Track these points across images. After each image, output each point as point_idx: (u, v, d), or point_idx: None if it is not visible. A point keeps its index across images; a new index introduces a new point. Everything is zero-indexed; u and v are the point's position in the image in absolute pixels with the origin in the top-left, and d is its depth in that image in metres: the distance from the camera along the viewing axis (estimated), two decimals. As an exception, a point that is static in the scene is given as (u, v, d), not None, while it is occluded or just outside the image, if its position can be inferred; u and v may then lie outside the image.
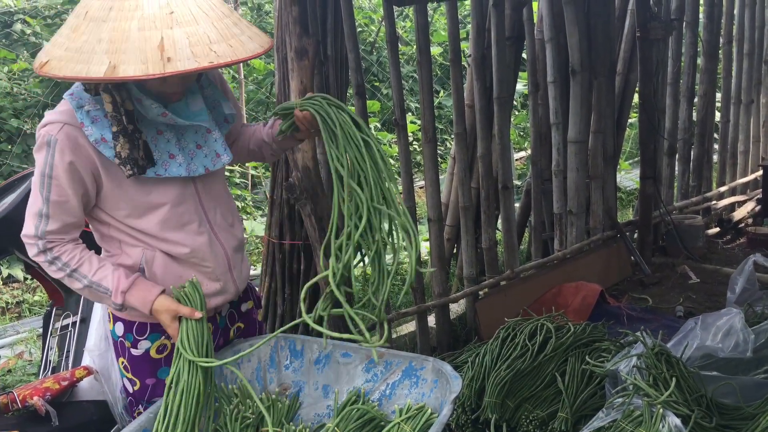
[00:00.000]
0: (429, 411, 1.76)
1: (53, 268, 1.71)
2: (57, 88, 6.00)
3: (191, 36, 1.46)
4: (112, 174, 1.68)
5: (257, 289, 2.18)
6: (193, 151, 1.75)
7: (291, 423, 1.86)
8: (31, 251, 1.70)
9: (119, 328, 1.86)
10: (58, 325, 2.62)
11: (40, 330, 4.14)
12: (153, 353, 1.85)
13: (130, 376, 1.88)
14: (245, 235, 5.29)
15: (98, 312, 2.51)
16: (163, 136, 1.70)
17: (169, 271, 1.79)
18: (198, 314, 1.68)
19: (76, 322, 2.57)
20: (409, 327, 3.77)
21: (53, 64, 1.47)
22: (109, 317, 1.90)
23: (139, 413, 1.86)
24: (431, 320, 3.65)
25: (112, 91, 1.58)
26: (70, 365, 2.54)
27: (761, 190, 5.35)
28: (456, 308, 3.90)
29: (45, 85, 6.10)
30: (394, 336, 3.54)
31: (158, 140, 1.69)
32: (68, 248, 1.71)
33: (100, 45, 1.43)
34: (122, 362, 1.89)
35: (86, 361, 2.48)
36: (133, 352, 1.84)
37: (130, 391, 1.90)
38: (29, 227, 1.68)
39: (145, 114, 1.65)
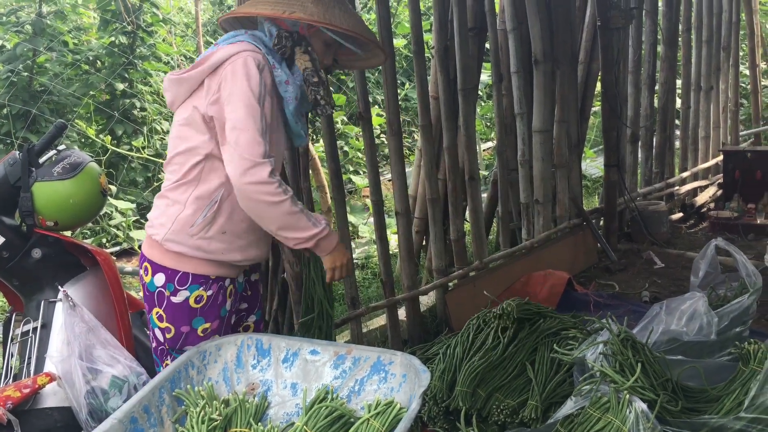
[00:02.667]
0: (398, 406, 1.76)
1: (280, 190, 1.86)
2: (14, 88, 5.85)
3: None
4: (270, 111, 1.93)
5: None
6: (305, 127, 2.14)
7: (259, 423, 1.84)
8: (263, 171, 1.83)
9: (159, 279, 2.01)
10: (19, 331, 2.54)
11: (0, 337, 4.03)
12: (192, 302, 2.00)
13: (164, 324, 2.03)
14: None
15: (59, 317, 2.44)
16: (302, 118, 2.08)
17: (234, 214, 1.97)
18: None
19: (36, 328, 2.50)
20: (380, 321, 3.76)
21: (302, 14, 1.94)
22: (147, 270, 2.03)
23: (167, 365, 2.03)
24: (401, 313, 3.64)
25: (310, 51, 1.99)
26: (32, 372, 2.47)
27: (722, 174, 5.45)
28: (426, 300, 3.91)
29: (1, 85, 5.95)
30: (364, 330, 3.53)
31: (299, 121, 2.05)
32: (276, 178, 1.90)
33: None
34: (156, 312, 2.03)
35: (48, 367, 2.41)
36: (173, 299, 2.00)
37: (161, 340, 2.04)
38: (257, 148, 1.83)
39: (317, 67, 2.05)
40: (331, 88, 2.10)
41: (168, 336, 2.05)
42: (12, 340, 2.57)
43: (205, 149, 1.93)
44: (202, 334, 2.05)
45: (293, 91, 1.97)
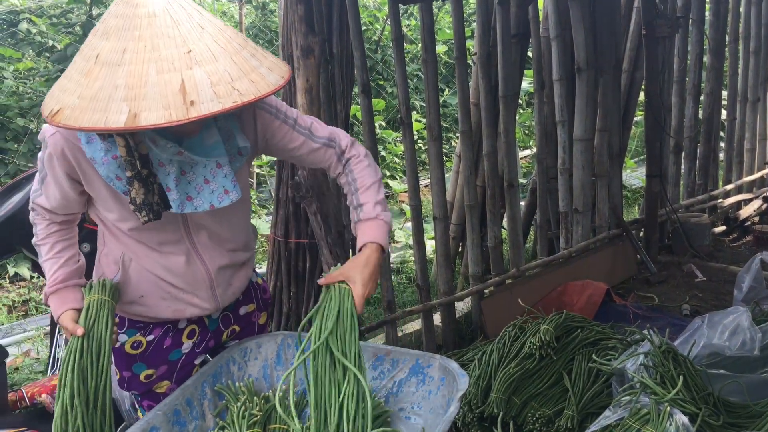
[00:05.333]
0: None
1: (33, 230, 1.81)
2: (63, 87, 6.02)
3: (212, 75, 1.38)
4: (95, 189, 1.70)
5: (269, 291, 2.17)
6: (201, 185, 1.67)
7: (299, 420, 1.86)
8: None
9: None
10: (66, 323, 2.62)
11: (47, 328, 4.15)
12: (128, 348, 1.89)
13: (113, 366, 1.91)
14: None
15: (105, 310, 2.51)
16: (164, 168, 1.63)
17: (143, 278, 1.81)
18: (79, 332, 1.66)
19: (83, 320, 2.57)
20: (415, 325, 3.77)
21: (67, 113, 1.38)
22: None
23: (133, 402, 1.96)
24: (437, 318, 3.65)
25: (125, 135, 1.53)
26: (77, 363, 2.55)
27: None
28: (461, 306, 3.90)
29: (50, 84, 6.12)
30: (399, 334, 3.55)
31: (158, 171, 1.63)
32: (46, 223, 1.79)
33: (117, 91, 1.35)
34: None
35: (93, 358, 2.49)
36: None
37: (115, 378, 1.94)
38: (33, 190, 1.78)
39: (160, 154, 1.60)
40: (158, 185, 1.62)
41: (117, 378, 1.92)
42: (59, 332, 2.65)
43: (95, 215, 1.81)
44: (145, 380, 1.92)
45: (110, 170, 1.63)
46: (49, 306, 1.77)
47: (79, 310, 1.72)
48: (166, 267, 1.79)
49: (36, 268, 2.72)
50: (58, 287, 1.75)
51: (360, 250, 1.75)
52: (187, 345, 1.94)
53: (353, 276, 1.68)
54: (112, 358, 1.85)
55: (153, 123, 1.32)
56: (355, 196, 1.82)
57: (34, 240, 1.80)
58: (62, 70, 5.95)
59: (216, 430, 1.83)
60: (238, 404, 1.83)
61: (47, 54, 6.62)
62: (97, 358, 1.65)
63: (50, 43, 6.53)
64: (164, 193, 1.63)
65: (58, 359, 2.58)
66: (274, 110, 1.80)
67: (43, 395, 2.19)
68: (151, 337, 1.89)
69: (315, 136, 1.84)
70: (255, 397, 1.88)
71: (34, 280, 5.16)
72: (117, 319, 1.84)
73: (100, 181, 1.67)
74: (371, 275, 1.70)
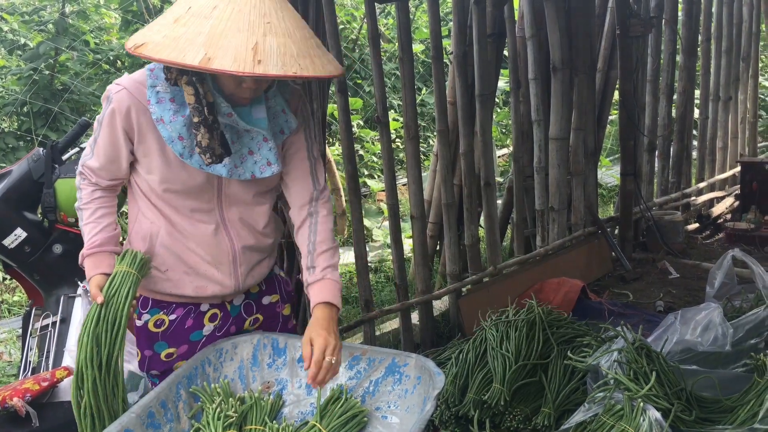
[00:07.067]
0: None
1: (77, 195, 1.90)
2: (35, 86, 5.93)
3: (281, 46, 1.57)
4: (145, 148, 1.80)
5: (291, 285, 2.27)
6: (245, 156, 1.82)
7: (274, 421, 1.86)
8: (78, 176, 1.91)
9: None
10: (38, 325, 2.58)
11: (20, 330, 4.09)
12: (151, 326, 1.96)
13: (134, 347, 2.02)
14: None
15: (78, 312, 2.48)
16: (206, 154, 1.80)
17: (169, 251, 1.89)
18: (99, 300, 1.76)
19: (56, 322, 2.54)
20: (393, 324, 3.78)
21: (150, 47, 1.56)
22: None
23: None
24: (414, 317, 3.65)
25: (195, 84, 1.68)
26: (50, 366, 2.51)
27: (739, 185, 5.42)
28: (439, 305, 3.91)
29: (23, 83, 6.02)
30: (377, 333, 3.55)
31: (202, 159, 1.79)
32: (91, 188, 1.87)
33: (199, 38, 1.54)
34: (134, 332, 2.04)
35: (67, 361, 2.46)
36: (137, 323, 1.96)
37: (136, 360, 2.04)
38: (84, 154, 1.88)
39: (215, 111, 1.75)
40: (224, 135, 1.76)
41: (137, 359, 2.01)
42: (31, 334, 2.61)
43: (131, 186, 1.93)
44: (166, 359, 1.98)
45: (174, 129, 1.73)
46: (84, 268, 1.86)
47: (109, 276, 1.81)
48: (193, 235, 1.88)
49: (8, 269, 2.67)
50: (94, 250, 1.84)
51: (313, 309, 1.87)
52: (208, 327, 2.01)
53: (320, 335, 1.79)
54: (135, 340, 1.97)
55: (222, 68, 1.51)
56: (310, 257, 1.92)
57: (77, 204, 1.88)
58: (34, 69, 5.87)
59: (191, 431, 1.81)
60: (214, 406, 1.82)
61: (19, 52, 6.51)
62: (112, 327, 1.74)
63: (22, 41, 6.43)
64: (226, 141, 1.75)
65: (30, 362, 2.54)
66: (308, 120, 1.96)
67: (15, 399, 2.16)
68: (173, 317, 1.96)
69: (316, 170, 1.96)
70: (231, 399, 1.86)
71: (7, 282, 5.07)
72: (140, 299, 1.95)
73: (155, 142, 1.78)
74: (334, 332, 1.83)
